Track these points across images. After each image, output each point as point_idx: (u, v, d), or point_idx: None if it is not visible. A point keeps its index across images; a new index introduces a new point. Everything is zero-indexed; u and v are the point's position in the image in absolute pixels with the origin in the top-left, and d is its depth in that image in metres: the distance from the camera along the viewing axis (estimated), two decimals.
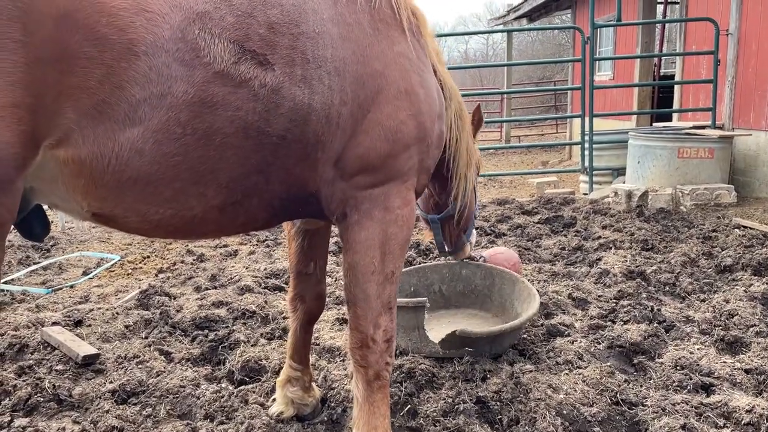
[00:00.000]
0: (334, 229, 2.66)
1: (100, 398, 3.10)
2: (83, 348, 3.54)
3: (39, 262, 5.83)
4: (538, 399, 2.91)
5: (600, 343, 3.61)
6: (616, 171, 9.54)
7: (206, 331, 3.89)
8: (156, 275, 5.37)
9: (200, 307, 4.26)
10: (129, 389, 3.16)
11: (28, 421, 2.93)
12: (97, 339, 3.81)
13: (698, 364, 3.26)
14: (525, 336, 3.74)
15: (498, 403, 2.93)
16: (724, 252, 5.24)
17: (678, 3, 12.17)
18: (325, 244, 2.85)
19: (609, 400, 2.95)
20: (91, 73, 1.56)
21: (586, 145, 9.12)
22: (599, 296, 4.43)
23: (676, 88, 11.10)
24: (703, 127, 8.69)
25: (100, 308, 4.32)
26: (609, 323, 3.92)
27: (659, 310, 4.05)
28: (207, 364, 3.55)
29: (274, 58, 1.84)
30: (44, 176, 1.69)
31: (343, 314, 4.22)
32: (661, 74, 13.45)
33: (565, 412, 2.83)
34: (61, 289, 5.04)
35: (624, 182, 8.33)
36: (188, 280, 5.08)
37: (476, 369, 3.21)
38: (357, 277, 2.29)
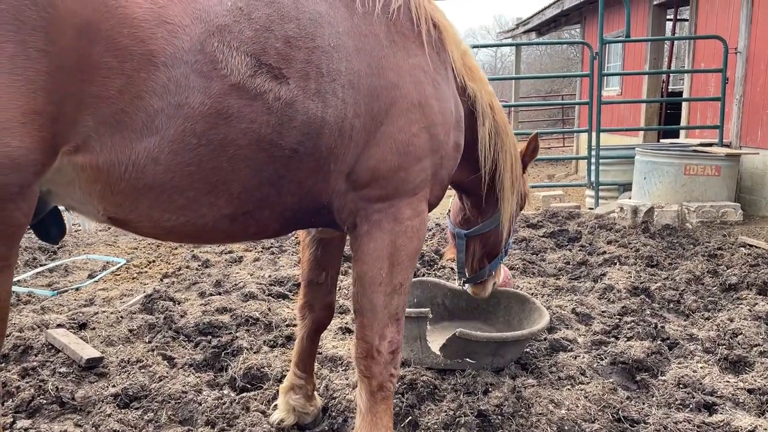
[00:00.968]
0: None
1: (103, 402, 3.11)
2: (87, 351, 3.55)
3: (45, 264, 5.86)
4: (540, 414, 2.90)
5: (603, 359, 3.60)
6: (622, 186, 9.54)
7: (209, 337, 3.90)
8: (161, 280, 5.39)
9: (204, 313, 4.27)
10: (131, 393, 3.17)
11: (30, 423, 2.95)
12: (101, 342, 3.82)
13: (701, 383, 3.25)
14: (528, 350, 3.74)
15: (499, 417, 2.92)
16: (729, 270, 5.23)
17: (687, 20, 12.20)
18: (339, 255, 2.85)
19: (611, 417, 2.94)
20: (111, 82, 1.58)
21: (593, 160, 9.13)
22: (603, 312, 4.42)
23: (684, 105, 11.11)
24: (710, 145, 8.69)
25: (104, 312, 4.34)
26: (612, 339, 3.91)
27: (663, 327, 4.04)
28: (209, 370, 3.56)
29: (289, 72, 1.86)
30: (62, 180, 1.73)
31: (347, 324, 4.23)
32: (669, 91, 13.46)
33: (566, 427, 2.82)
34: (66, 291, 5.07)
35: (630, 198, 8.32)
36: (193, 286, 5.10)
37: (478, 382, 3.21)
38: (364, 287, 2.30)
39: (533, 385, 3.23)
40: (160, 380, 3.32)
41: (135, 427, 2.92)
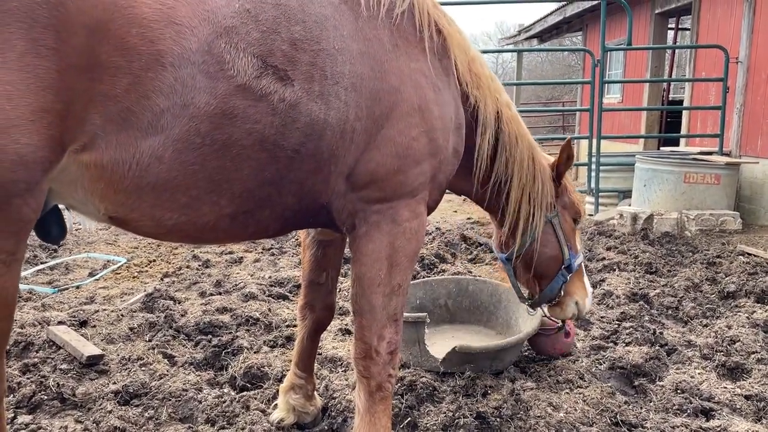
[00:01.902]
0: None
1: (103, 398, 3.13)
2: (88, 348, 3.57)
3: (46, 262, 5.87)
4: (538, 417, 2.92)
5: (601, 364, 3.62)
6: (622, 193, 9.56)
7: (210, 337, 3.92)
8: (161, 279, 5.40)
9: (204, 313, 4.28)
10: (132, 391, 3.19)
11: (31, 419, 2.96)
12: (102, 340, 3.84)
13: (699, 389, 3.27)
14: (526, 354, 3.75)
15: (498, 419, 2.94)
16: (727, 278, 5.25)
17: (689, 29, 12.25)
18: (339, 256, 2.86)
19: (609, 421, 2.95)
20: (118, 81, 1.60)
21: (593, 167, 9.16)
22: (602, 317, 4.44)
23: (685, 113, 11.15)
24: (710, 153, 8.72)
25: (105, 310, 4.36)
26: (611, 344, 3.93)
27: (661, 333, 4.06)
28: (210, 369, 3.58)
29: (294, 74, 1.89)
30: (64, 179, 1.74)
31: (347, 325, 4.24)
32: (670, 99, 13.51)
33: (564, 430, 2.84)
34: (67, 289, 5.08)
35: (630, 205, 8.35)
36: (193, 285, 5.11)
37: (477, 384, 3.23)
38: (363, 288, 2.31)
39: (532, 389, 3.25)
40: (161, 378, 3.34)
41: (136, 424, 2.93)
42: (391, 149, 2.17)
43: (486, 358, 3.39)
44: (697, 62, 10.85)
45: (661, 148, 10.66)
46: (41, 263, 5.83)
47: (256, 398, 3.18)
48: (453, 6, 9.92)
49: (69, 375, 3.36)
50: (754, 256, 6.08)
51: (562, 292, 3.17)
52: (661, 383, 3.37)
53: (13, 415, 2.98)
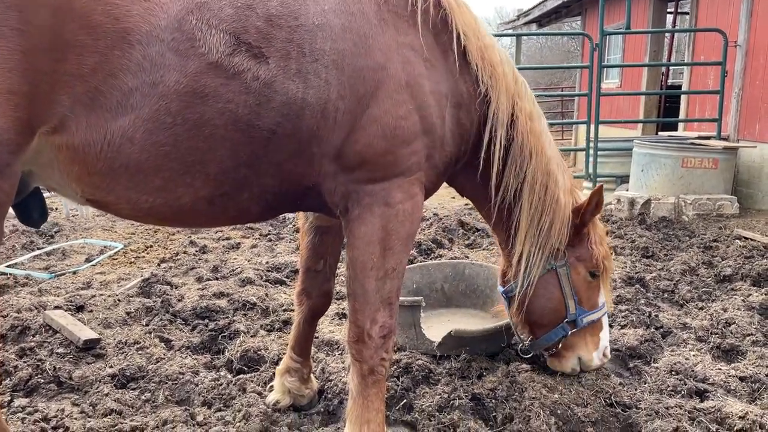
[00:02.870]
0: None
1: (100, 382, 3.14)
2: (84, 332, 3.57)
3: (43, 248, 5.87)
4: (533, 398, 2.93)
5: None
6: (619, 178, 9.55)
7: (206, 321, 3.92)
8: (158, 264, 5.41)
9: (201, 297, 4.29)
10: (128, 374, 3.20)
11: (28, 402, 2.97)
12: (98, 324, 3.84)
13: (693, 370, 3.28)
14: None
15: (493, 401, 2.95)
16: (724, 262, 5.26)
17: (688, 13, 12.18)
18: (337, 243, 2.82)
19: (603, 402, 2.97)
20: (84, 60, 1.57)
21: (591, 152, 9.14)
22: None
23: (683, 97, 11.12)
24: (708, 138, 8.70)
25: (102, 295, 4.36)
26: None
27: (657, 316, 4.08)
28: (206, 352, 3.59)
29: (269, 51, 1.83)
30: (41, 161, 1.71)
31: (344, 309, 4.25)
32: (669, 84, 13.46)
33: (559, 411, 2.85)
34: (64, 274, 5.08)
35: (627, 190, 8.34)
36: (190, 271, 5.11)
37: (473, 366, 3.24)
38: (356, 272, 2.28)
39: (527, 371, 3.25)
40: (158, 362, 3.35)
41: (132, 406, 2.94)
42: (377, 129, 2.10)
43: (482, 341, 3.40)
44: (696, 46, 10.80)
45: (659, 133, 10.64)
46: (38, 249, 5.83)
47: (252, 381, 3.19)
48: None
49: (66, 359, 3.37)
50: (751, 240, 6.08)
51: (560, 345, 2.99)
52: (655, 365, 3.39)
53: (9, 398, 2.98)
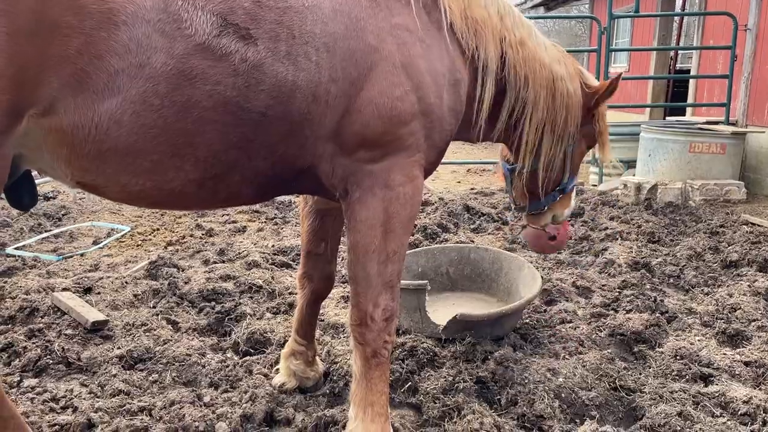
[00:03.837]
0: None
1: (108, 363, 3.16)
2: (92, 314, 3.60)
3: (50, 230, 5.90)
4: (537, 381, 2.95)
5: (601, 331, 3.64)
6: (626, 163, 9.51)
7: (213, 303, 3.95)
8: (165, 247, 5.43)
9: (208, 280, 4.31)
10: (136, 355, 3.23)
11: (37, 382, 3.00)
12: (106, 306, 3.87)
13: (698, 355, 3.28)
14: (527, 321, 3.78)
15: (497, 384, 2.97)
16: (730, 247, 5.24)
17: None
18: (338, 226, 2.83)
19: (607, 386, 2.98)
20: (70, 42, 1.56)
21: None
22: (603, 285, 4.45)
23: (691, 82, 11.03)
24: (716, 123, 8.65)
25: (109, 277, 4.39)
26: (611, 312, 3.95)
27: (662, 301, 4.08)
28: (213, 334, 3.61)
29: (257, 33, 1.82)
30: (30, 144, 1.71)
31: (348, 292, 4.26)
32: (677, 68, 13.35)
33: (563, 395, 2.86)
34: (71, 257, 5.11)
35: (634, 175, 8.31)
36: (196, 254, 5.14)
37: (477, 350, 3.25)
38: (357, 255, 2.28)
39: (532, 354, 3.27)
40: (165, 343, 3.37)
41: (140, 387, 2.97)
42: (374, 110, 2.10)
43: (487, 325, 3.41)
44: (706, 30, 10.70)
45: (667, 118, 10.58)
46: (46, 231, 5.86)
47: (258, 363, 3.22)
48: None
49: (74, 340, 3.40)
50: (758, 225, 6.06)
51: (546, 208, 3.17)
52: (660, 350, 3.40)
53: (19, 378, 3.02)
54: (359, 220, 2.23)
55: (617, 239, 5.68)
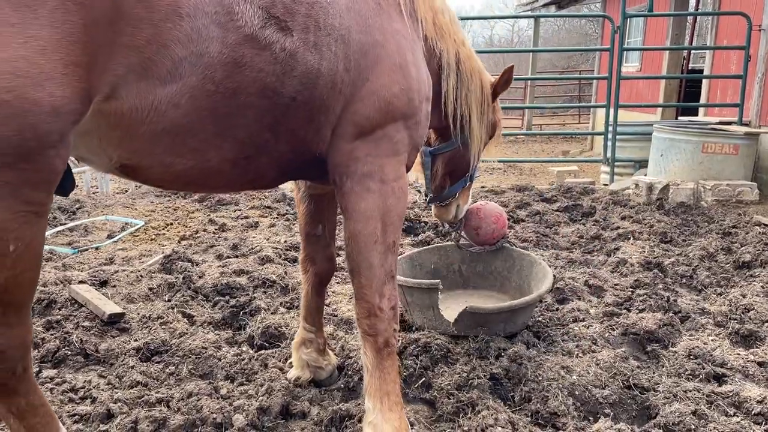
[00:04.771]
0: None
1: (125, 355, 3.21)
2: (109, 306, 3.64)
3: (65, 224, 5.96)
4: (551, 379, 2.96)
5: (614, 330, 3.65)
6: (638, 163, 9.49)
7: (227, 297, 3.98)
8: (179, 242, 5.47)
9: (222, 275, 4.35)
10: (153, 348, 3.26)
11: (56, 373, 3.05)
12: (122, 299, 3.91)
13: (711, 355, 3.29)
14: (540, 319, 3.79)
15: (511, 381, 2.99)
16: (743, 248, 5.23)
17: None
18: (333, 208, 2.95)
19: (621, 384, 2.99)
20: (140, 33, 1.66)
21: (610, 136, 9.07)
22: (615, 285, 4.46)
23: (704, 82, 10.97)
24: (729, 123, 8.60)
25: (124, 270, 4.43)
26: (624, 311, 3.95)
27: (675, 300, 4.07)
28: (228, 328, 3.65)
29: (293, 25, 1.98)
30: (80, 129, 1.78)
31: None
32: (690, 68, 13.28)
33: (577, 392, 2.88)
34: (87, 250, 5.16)
35: (645, 174, 8.29)
36: (210, 248, 5.18)
37: (491, 347, 3.27)
38: (359, 246, 2.37)
39: (545, 352, 3.29)
40: (181, 336, 3.41)
41: (157, 379, 3.01)
42: (375, 102, 2.27)
43: (499, 319, 3.43)
44: (719, 30, 10.64)
45: (679, 118, 10.53)
46: (61, 225, 5.91)
47: (273, 357, 3.25)
48: None
49: (91, 332, 3.44)
50: None
51: (456, 195, 3.52)
52: (673, 349, 3.40)
53: (38, 369, 3.06)
54: (359, 211, 2.34)
55: (629, 239, 5.67)
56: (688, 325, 3.76)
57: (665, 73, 12.12)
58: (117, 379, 2.98)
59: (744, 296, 4.12)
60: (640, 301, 4.05)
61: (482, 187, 8.52)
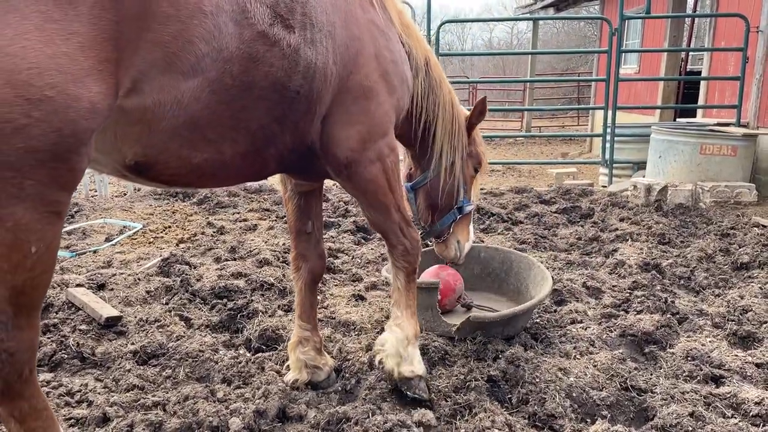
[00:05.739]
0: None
1: (122, 358, 3.20)
2: (106, 310, 3.64)
3: (63, 227, 5.94)
4: (549, 381, 2.96)
5: (612, 331, 3.64)
6: (636, 165, 9.49)
7: (225, 300, 3.98)
8: (177, 245, 5.47)
9: (219, 277, 4.34)
10: (150, 351, 3.26)
11: (52, 376, 3.04)
12: (119, 302, 3.91)
13: (709, 356, 3.28)
14: (538, 321, 3.79)
15: (508, 383, 2.98)
16: (741, 249, 5.23)
17: None
18: (319, 205, 3.06)
19: (618, 386, 2.99)
20: (166, 29, 1.72)
21: (608, 138, 9.08)
22: (613, 286, 4.45)
23: (702, 84, 10.98)
24: (727, 125, 8.61)
25: (122, 273, 4.43)
26: (622, 312, 3.95)
27: (673, 302, 4.07)
28: (225, 331, 3.64)
29: (294, 22, 2.11)
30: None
31: (359, 291, 4.29)
32: (688, 70, 13.29)
33: (574, 394, 2.87)
34: (84, 253, 5.16)
35: (644, 176, 8.29)
36: (208, 251, 5.17)
37: (488, 349, 3.27)
38: (381, 214, 2.76)
39: (543, 354, 3.28)
40: (178, 339, 3.41)
41: (154, 382, 3.00)
42: (360, 92, 2.48)
43: (498, 324, 3.42)
44: (717, 32, 10.65)
45: (678, 120, 10.55)
46: None
47: (270, 360, 3.24)
48: None
49: (88, 335, 3.44)
50: None
51: (451, 230, 3.58)
52: (671, 350, 3.40)
53: None
54: (369, 180, 2.64)
55: (627, 240, 5.67)
56: (686, 326, 3.76)
57: (663, 75, 12.14)
58: (113, 383, 2.98)
59: (742, 297, 4.12)
60: (638, 303, 4.05)
61: (481, 189, 8.51)
